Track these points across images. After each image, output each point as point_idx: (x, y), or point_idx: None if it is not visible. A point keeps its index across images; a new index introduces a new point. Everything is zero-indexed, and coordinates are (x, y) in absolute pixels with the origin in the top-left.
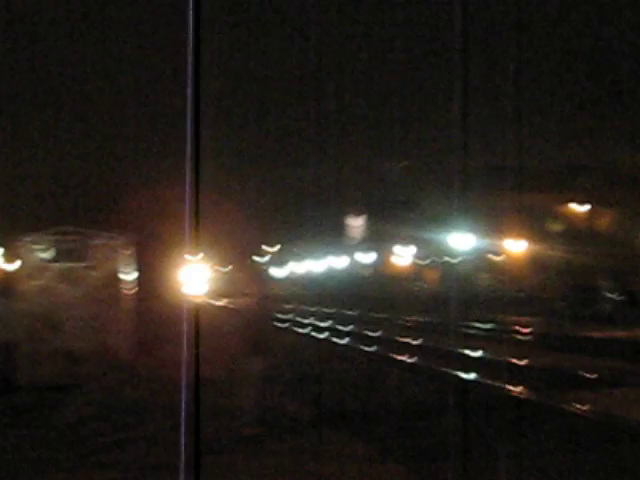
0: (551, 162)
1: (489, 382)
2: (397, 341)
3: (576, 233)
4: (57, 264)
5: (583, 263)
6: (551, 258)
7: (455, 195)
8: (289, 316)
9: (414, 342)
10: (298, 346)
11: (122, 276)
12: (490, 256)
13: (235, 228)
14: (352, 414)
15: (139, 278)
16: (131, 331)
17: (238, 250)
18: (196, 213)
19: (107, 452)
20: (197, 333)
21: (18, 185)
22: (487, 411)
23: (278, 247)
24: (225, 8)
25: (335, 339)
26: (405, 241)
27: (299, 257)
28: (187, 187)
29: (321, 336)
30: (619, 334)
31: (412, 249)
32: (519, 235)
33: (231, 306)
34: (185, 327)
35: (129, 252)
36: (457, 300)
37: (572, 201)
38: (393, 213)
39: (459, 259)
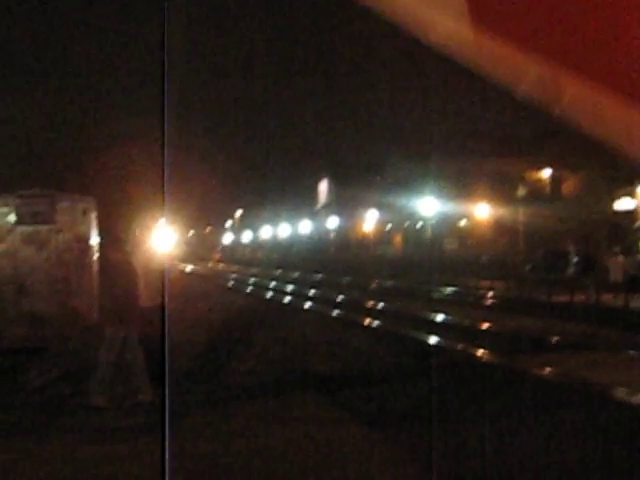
0: (519, 128)
1: (453, 346)
2: (361, 305)
3: (543, 198)
4: (22, 227)
5: (549, 228)
6: (517, 223)
7: (422, 160)
8: (252, 280)
9: (378, 306)
10: (258, 310)
11: (89, 239)
12: (456, 220)
13: (202, 192)
14: (315, 378)
15: (106, 241)
16: (97, 294)
17: (204, 214)
18: (163, 176)
19: (72, 415)
20: (164, 296)
21: None
22: (451, 375)
23: (241, 211)
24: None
25: (299, 303)
26: (370, 205)
27: (264, 221)
28: (158, 150)
29: (285, 300)
30: (578, 298)
31: (377, 213)
32: (486, 200)
33: (195, 270)
34: (153, 290)
35: (97, 215)
36: (422, 264)
37: (539, 166)
38: (359, 177)
39: (425, 223)
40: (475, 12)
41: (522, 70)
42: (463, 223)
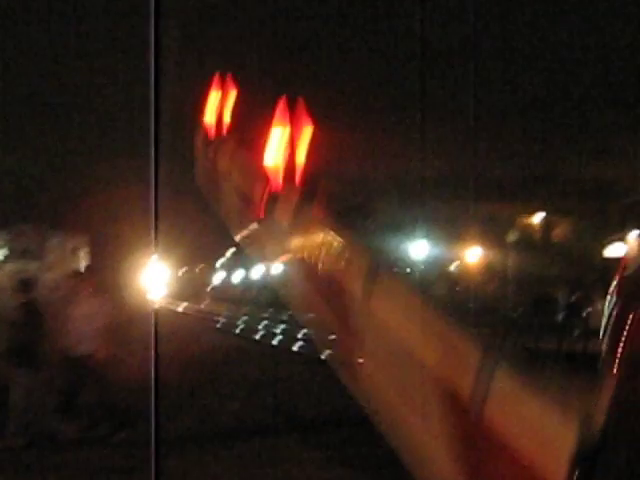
0: (509, 172)
1: None
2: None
3: (533, 243)
4: (11, 263)
5: (539, 273)
6: (507, 267)
7: (412, 203)
8: (241, 319)
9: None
10: (248, 351)
11: (78, 276)
12: (446, 265)
13: (192, 230)
14: (304, 420)
15: (95, 278)
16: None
17: (195, 252)
18: (155, 214)
19: (57, 453)
20: (156, 335)
21: None
22: None
23: (232, 250)
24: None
25: (287, 344)
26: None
27: (253, 261)
28: (148, 187)
29: (274, 342)
30: (567, 345)
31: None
32: (476, 244)
33: (184, 310)
34: (142, 329)
35: (85, 252)
36: None
37: (530, 211)
38: (347, 219)
39: (415, 268)
40: None
41: None
42: (452, 267)
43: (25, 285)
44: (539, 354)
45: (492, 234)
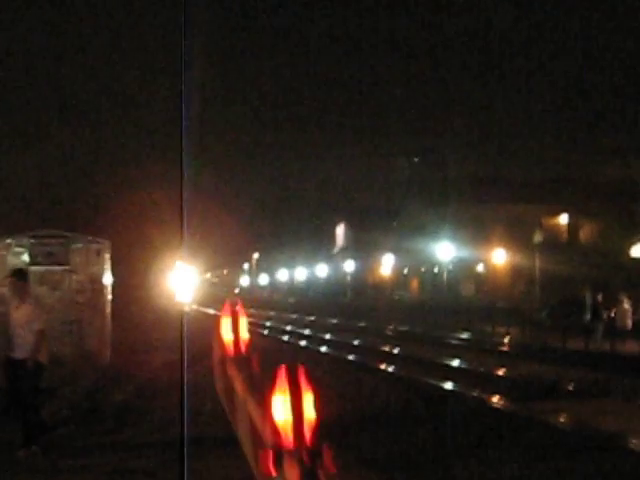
0: (535, 174)
1: (467, 392)
2: (376, 350)
3: (559, 244)
4: (37, 267)
5: (565, 273)
6: (533, 269)
7: (439, 205)
8: (268, 323)
9: (393, 351)
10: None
11: (103, 280)
12: (472, 266)
13: (219, 235)
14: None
15: (120, 282)
16: (110, 335)
17: (221, 256)
18: (181, 219)
19: (82, 456)
20: (182, 338)
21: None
22: (465, 421)
23: (257, 254)
24: (214, 12)
25: (314, 346)
26: (387, 249)
27: (281, 264)
28: (175, 192)
29: (302, 343)
30: (593, 346)
31: (394, 258)
32: (502, 245)
33: (211, 312)
34: (170, 332)
35: (111, 256)
36: (438, 309)
37: (555, 212)
38: (376, 221)
39: (441, 268)
40: None
41: None
42: (479, 268)
43: None
44: (566, 354)
45: (518, 235)
